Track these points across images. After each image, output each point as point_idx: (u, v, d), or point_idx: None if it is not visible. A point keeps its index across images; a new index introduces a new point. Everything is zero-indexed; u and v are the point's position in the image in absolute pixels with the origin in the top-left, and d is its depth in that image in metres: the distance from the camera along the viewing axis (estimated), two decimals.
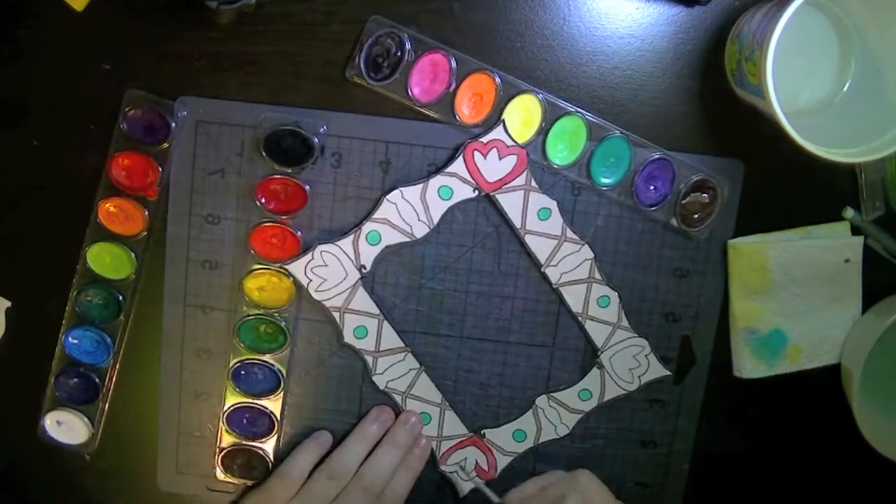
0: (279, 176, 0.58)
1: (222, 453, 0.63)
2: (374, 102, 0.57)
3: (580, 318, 0.61)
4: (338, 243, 0.59)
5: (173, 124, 0.57)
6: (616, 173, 0.58)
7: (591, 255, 0.59)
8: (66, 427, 0.63)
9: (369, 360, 0.61)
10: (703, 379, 0.63)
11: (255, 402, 0.62)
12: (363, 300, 0.60)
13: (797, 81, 0.56)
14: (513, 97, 0.57)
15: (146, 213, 0.59)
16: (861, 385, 0.58)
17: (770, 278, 0.59)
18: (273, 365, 0.61)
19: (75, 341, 0.61)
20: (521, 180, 0.58)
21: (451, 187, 0.58)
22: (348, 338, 0.61)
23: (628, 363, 0.61)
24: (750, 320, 0.61)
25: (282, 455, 0.63)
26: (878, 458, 0.59)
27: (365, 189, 0.59)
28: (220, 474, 0.64)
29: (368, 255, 0.59)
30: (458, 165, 0.58)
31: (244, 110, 0.57)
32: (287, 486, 0.60)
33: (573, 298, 0.60)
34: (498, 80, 0.57)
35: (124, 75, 0.57)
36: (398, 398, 0.62)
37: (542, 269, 0.60)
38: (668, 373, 0.62)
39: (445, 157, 0.58)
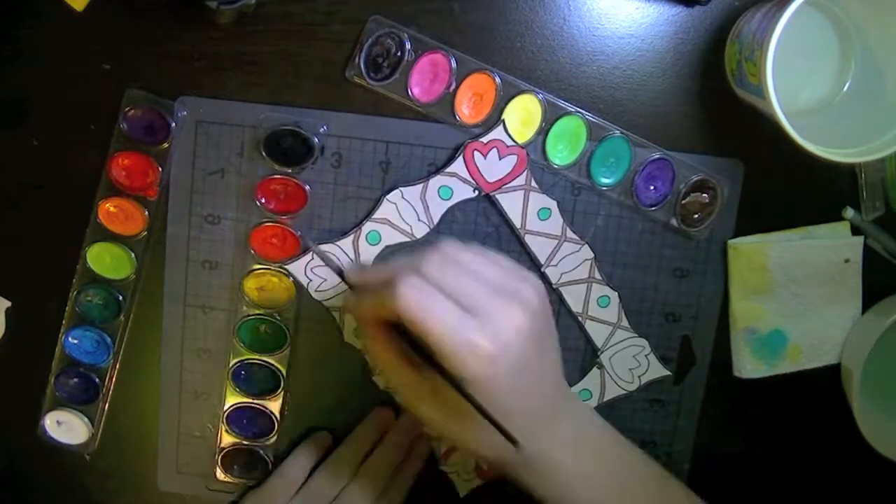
0: (279, 176, 0.58)
1: (222, 453, 0.63)
2: (374, 102, 0.57)
3: (580, 318, 0.61)
4: (338, 243, 0.59)
5: (173, 124, 0.57)
6: (616, 173, 0.58)
7: (591, 255, 0.59)
8: (66, 427, 0.63)
9: (369, 360, 0.61)
10: (703, 379, 0.63)
11: (255, 402, 0.62)
12: None
13: (797, 81, 0.56)
14: (513, 97, 0.57)
15: (146, 213, 0.59)
16: (861, 385, 0.58)
17: (770, 278, 0.59)
18: (273, 365, 0.61)
19: (75, 341, 0.61)
20: (521, 180, 0.58)
21: (451, 187, 0.58)
22: (348, 338, 0.60)
23: (628, 363, 0.61)
24: (750, 320, 0.61)
25: (282, 455, 0.63)
26: (878, 458, 0.59)
27: (365, 189, 0.59)
28: (220, 474, 0.64)
29: (368, 255, 0.59)
30: (458, 165, 0.58)
31: (244, 110, 0.57)
32: (286, 486, 0.60)
33: (573, 298, 0.60)
34: (498, 80, 0.57)
35: (124, 75, 0.57)
36: (398, 398, 0.62)
37: (542, 269, 0.60)
38: (668, 373, 0.62)
39: (445, 157, 0.58)
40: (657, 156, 0.58)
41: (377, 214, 0.58)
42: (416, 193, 0.58)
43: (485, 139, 0.57)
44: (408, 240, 0.59)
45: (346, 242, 0.59)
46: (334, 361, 0.62)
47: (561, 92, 0.57)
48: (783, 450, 0.65)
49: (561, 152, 0.58)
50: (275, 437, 0.63)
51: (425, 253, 0.44)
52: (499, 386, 0.43)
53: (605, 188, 0.58)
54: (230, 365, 0.62)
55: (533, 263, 0.60)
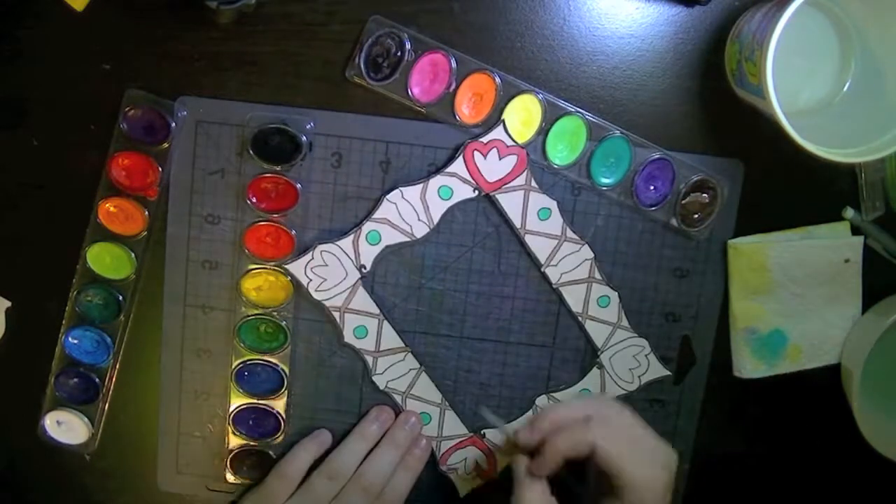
0: (269, 174, 0.58)
1: (231, 455, 0.63)
2: (374, 102, 0.57)
3: (580, 318, 0.61)
4: (338, 243, 0.59)
5: (173, 124, 0.57)
6: (616, 173, 0.58)
7: (591, 255, 0.59)
8: (66, 427, 0.63)
9: (369, 359, 0.61)
10: (703, 379, 0.63)
11: (260, 402, 0.62)
12: (363, 300, 0.60)
13: (797, 81, 0.56)
14: (513, 97, 0.57)
15: (146, 213, 0.59)
16: (861, 385, 0.58)
17: (770, 278, 0.59)
18: (276, 364, 0.61)
19: (75, 341, 0.61)
20: (521, 180, 0.58)
21: (451, 187, 0.58)
22: (348, 338, 0.61)
23: (628, 363, 0.61)
24: (750, 320, 0.61)
25: (282, 455, 0.63)
26: (878, 458, 0.59)
27: (365, 189, 0.59)
28: (230, 477, 0.64)
29: (368, 254, 0.59)
30: (458, 165, 0.58)
31: (244, 110, 0.57)
32: (285, 486, 0.60)
33: (573, 298, 0.60)
34: (498, 80, 0.57)
35: (124, 75, 0.57)
36: (398, 398, 0.62)
37: (542, 269, 0.60)
38: (668, 373, 0.62)
39: (445, 157, 0.58)
40: (657, 156, 0.58)
41: (377, 214, 0.58)
42: (416, 193, 0.58)
43: (485, 139, 0.57)
44: (408, 240, 0.59)
45: (346, 242, 0.59)
46: (334, 361, 0.62)
47: (561, 92, 0.57)
48: (783, 450, 0.65)
49: (561, 152, 0.58)
50: (281, 436, 0.63)
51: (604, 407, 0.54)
52: None
53: (605, 188, 0.58)
54: (233, 367, 0.62)
55: (533, 263, 0.60)
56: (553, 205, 0.58)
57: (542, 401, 0.62)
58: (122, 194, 0.58)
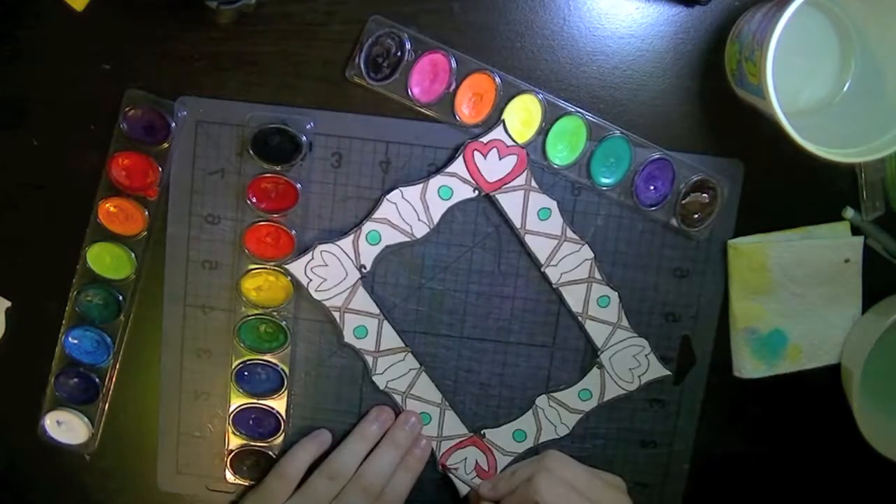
0: (269, 175, 0.58)
1: (231, 455, 0.63)
2: (374, 102, 0.57)
3: (580, 318, 0.61)
4: (338, 243, 0.59)
5: (173, 124, 0.57)
6: (616, 173, 0.58)
7: (591, 255, 0.59)
8: (66, 427, 0.63)
9: (369, 360, 0.61)
10: (703, 379, 0.63)
11: (260, 402, 0.62)
12: (363, 300, 0.60)
13: (797, 81, 0.56)
14: (513, 97, 0.57)
15: (146, 213, 0.59)
16: (861, 385, 0.58)
17: (770, 278, 0.59)
18: (276, 364, 0.62)
19: (75, 341, 0.61)
20: (521, 180, 0.58)
21: (451, 187, 0.58)
22: (348, 338, 0.61)
23: (628, 363, 0.61)
24: (750, 320, 0.61)
25: (282, 455, 0.63)
26: (878, 458, 0.59)
27: (365, 189, 0.59)
28: (230, 477, 0.64)
29: (368, 254, 0.59)
30: (458, 165, 0.58)
31: (244, 110, 0.57)
32: (285, 485, 0.60)
33: (573, 298, 0.60)
34: (498, 80, 0.57)
35: (124, 75, 0.57)
36: (398, 398, 0.62)
37: (542, 269, 0.60)
38: (668, 373, 0.62)
39: (445, 157, 0.58)
40: (657, 156, 0.58)
41: (377, 214, 0.58)
42: (416, 193, 0.58)
43: (485, 139, 0.57)
44: (408, 240, 0.59)
45: (346, 242, 0.59)
46: (334, 361, 0.62)
47: (561, 92, 0.57)
48: (783, 450, 0.65)
49: (561, 152, 0.58)
50: (281, 437, 0.63)
51: (545, 462, 0.59)
52: None
53: (605, 188, 0.58)
54: (233, 367, 0.62)
55: (533, 263, 0.60)
56: (553, 205, 0.58)
57: (541, 401, 0.62)
58: (122, 194, 0.58)
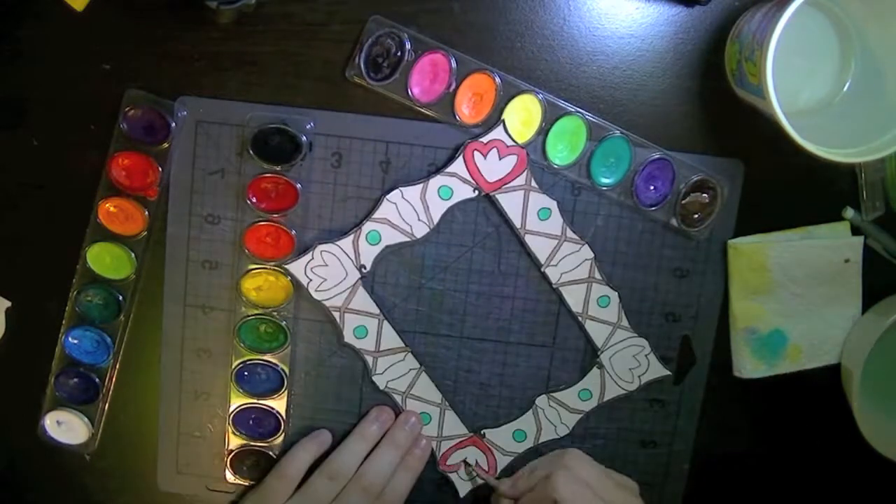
0: (269, 175, 0.58)
1: (231, 455, 0.63)
2: (374, 102, 0.57)
3: (580, 318, 0.61)
4: (338, 243, 0.59)
5: (173, 124, 0.57)
6: (616, 173, 0.58)
7: (591, 255, 0.59)
8: (66, 427, 0.63)
9: (369, 360, 0.61)
10: (703, 379, 0.63)
11: (260, 402, 0.62)
12: (363, 300, 0.60)
13: (797, 81, 0.56)
14: (513, 97, 0.57)
15: (146, 213, 0.59)
16: (861, 385, 0.58)
17: (770, 278, 0.59)
18: (276, 364, 0.62)
19: (75, 341, 0.61)
20: (521, 180, 0.58)
21: (451, 187, 0.58)
22: (348, 338, 0.61)
23: (628, 363, 0.61)
24: (750, 320, 0.61)
25: (282, 455, 0.63)
26: (878, 458, 0.59)
27: (365, 189, 0.59)
28: (230, 477, 0.64)
29: (368, 254, 0.59)
30: (458, 165, 0.58)
31: (244, 110, 0.57)
32: (285, 486, 0.60)
33: (573, 298, 0.60)
34: (498, 80, 0.57)
35: (124, 75, 0.57)
36: (398, 398, 0.62)
37: (542, 269, 0.60)
38: (668, 373, 0.62)
39: (445, 157, 0.58)
40: (657, 156, 0.58)
41: (377, 214, 0.58)
42: (416, 193, 0.58)
43: (485, 139, 0.57)
44: (408, 240, 0.59)
45: (346, 242, 0.59)
46: (334, 361, 0.62)
47: (561, 92, 0.57)
48: (783, 450, 0.65)
49: (561, 152, 0.58)
50: (281, 437, 0.63)
51: (564, 460, 0.60)
52: None
53: (605, 188, 0.58)
54: (233, 367, 0.62)
55: (533, 263, 0.60)
56: (553, 205, 0.58)
57: (541, 401, 0.62)
58: (122, 194, 0.58)
